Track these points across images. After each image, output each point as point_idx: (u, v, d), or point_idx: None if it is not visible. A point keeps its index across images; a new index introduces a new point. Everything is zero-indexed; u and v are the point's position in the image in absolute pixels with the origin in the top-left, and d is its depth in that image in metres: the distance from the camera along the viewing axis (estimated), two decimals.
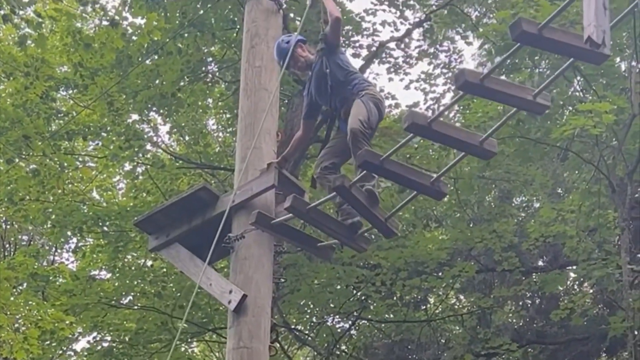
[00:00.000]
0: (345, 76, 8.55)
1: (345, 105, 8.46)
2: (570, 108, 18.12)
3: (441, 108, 16.46)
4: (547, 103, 7.06)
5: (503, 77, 19.25)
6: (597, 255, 18.99)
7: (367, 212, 8.07)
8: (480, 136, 7.47)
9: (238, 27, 17.66)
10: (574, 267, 20.76)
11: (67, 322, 18.75)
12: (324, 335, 21.05)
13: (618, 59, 18.88)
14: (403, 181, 8.05)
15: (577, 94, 18.80)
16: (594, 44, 5.89)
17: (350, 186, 7.84)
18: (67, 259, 25.90)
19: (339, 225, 8.38)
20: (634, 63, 17.12)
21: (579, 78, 17.92)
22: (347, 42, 18.62)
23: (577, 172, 20.99)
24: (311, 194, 8.83)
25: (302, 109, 9.16)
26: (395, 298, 21.59)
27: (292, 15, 17.76)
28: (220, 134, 24.22)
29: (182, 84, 19.07)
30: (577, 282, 23.24)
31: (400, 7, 19.19)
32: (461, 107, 18.82)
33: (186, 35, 18.07)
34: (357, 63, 18.81)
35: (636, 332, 16.95)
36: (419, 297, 22.77)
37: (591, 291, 22.43)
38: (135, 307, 19.46)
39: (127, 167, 21.63)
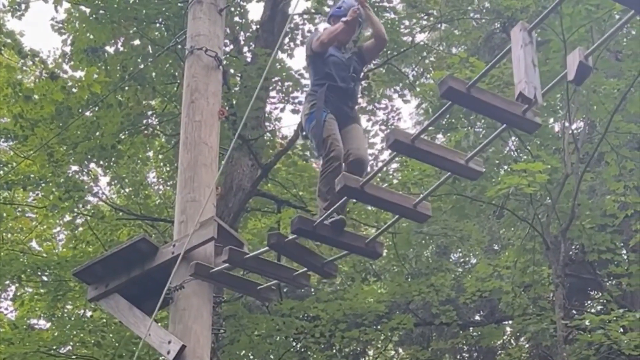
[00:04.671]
0: (357, 95, 9.06)
1: (353, 111, 8.82)
2: (505, 167, 18.41)
3: (376, 167, 16.57)
4: (479, 169, 6.97)
5: (440, 136, 19.60)
6: (532, 311, 19.23)
7: (304, 260, 8.30)
8: (414, 199, 7.45)
9: (178, 81, 17.76)
10: (510, 322, 21.02)
11: None
12: None
13: (552, 120, 19.26)
14: (338, 244, 8.20)
15: (512, 153, 19.09)
16: (526, 100, 5.81)
17: (286, 242, 8.01)
18: (6, 308, 25.66)
19: (278, 268, 8.71)
20: (567, 124, 17.44)
21: (513, 138, 18.23)
22: (286, 98, 18.66)
23: (512, 229, 21.23)
24: (250, 245, 8.94)
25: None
26: (334, 350, 21.66)
27: (232, 71, 17.96)
28: (161, 187, 24.21)
29: (122, 136, 19.02)
30: (513, 337, 23.50)
31: None
32: (398, 165, 19.06)
33: (127, 88, 18.10)
34: (296, 119, 18.90)
35: None
36: (358, 349, 22.88)
37: (527, 345, 22.69)
38: (75, 357, 19.25)
39: (67, 217, 21.54)
